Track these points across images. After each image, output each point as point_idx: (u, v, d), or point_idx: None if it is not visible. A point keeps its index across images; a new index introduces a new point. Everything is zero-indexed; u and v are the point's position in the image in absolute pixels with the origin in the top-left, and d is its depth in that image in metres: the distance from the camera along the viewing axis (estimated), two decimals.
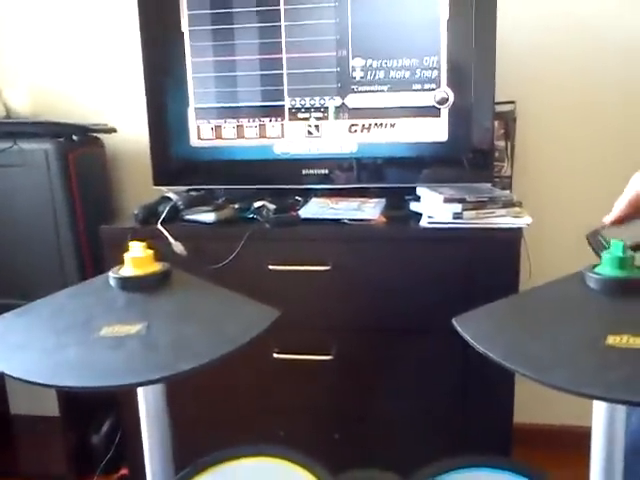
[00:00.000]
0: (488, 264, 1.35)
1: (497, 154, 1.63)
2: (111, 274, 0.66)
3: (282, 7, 1.52)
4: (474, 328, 0.57)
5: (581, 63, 1.68)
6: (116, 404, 1.58)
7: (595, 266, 0.62)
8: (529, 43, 1.69)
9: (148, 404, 0.67)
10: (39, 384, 0.56)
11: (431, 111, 1.51)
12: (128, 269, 0.66)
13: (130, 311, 0.63)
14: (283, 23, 1.53)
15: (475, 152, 1.50)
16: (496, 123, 1.60)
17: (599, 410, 0.57)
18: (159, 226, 1.44)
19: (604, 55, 1.67)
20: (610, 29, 1.66)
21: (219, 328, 0.61)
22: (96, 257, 1.60)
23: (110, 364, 0.56)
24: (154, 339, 0.59)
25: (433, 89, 1.50)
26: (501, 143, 1.64)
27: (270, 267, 1.41)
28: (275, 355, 1.46)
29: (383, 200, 1.53)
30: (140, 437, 0.80)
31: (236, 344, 0.59)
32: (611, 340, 0.53)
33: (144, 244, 0.67)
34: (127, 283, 0.65)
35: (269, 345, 1.46)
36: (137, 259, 0.65)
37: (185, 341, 0.59)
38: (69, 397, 1.70)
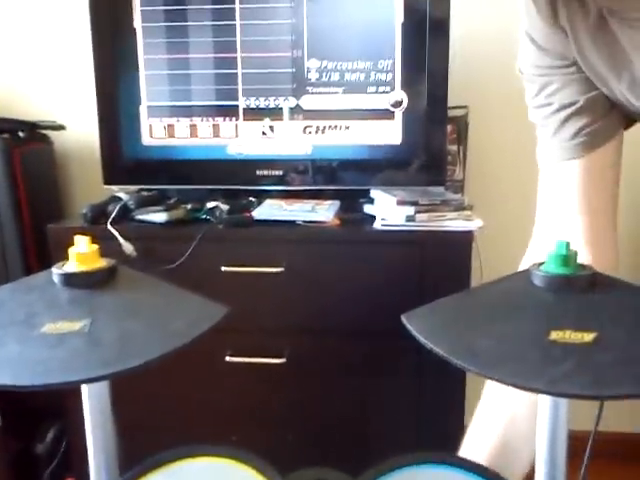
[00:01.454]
0: (440, 266, 1.37)
1: (449, 158, 1.65)
2: (54, 270, 0.64)
3: (237, 6, 1.51)
4: (422, 324, 0.57)
5: None
6: (62, 411, 1.53)
7: (541, 264, 0.63)
8: (482, 49, 1.73)
9: (92, 405, 0.65)
10: None
11: (385, 114, 1.53)
12: (72, 265, 0.64)
13: (74, 308, 0.61)
14: (238, 22, 1.52)
15: (428, 155, 1.52)
16: (449, 127, 1.63)
17: (544, 404, 0.59)
18: (109, 226, 1.41)
19: None
20: None
21: (166, 324, 0.60)
22: (43, 258, 1.55)
23: (52, 361, 0.54)
24: (98, 336, 0.57)
25: (387, 92, 1.52)
26: (454, 147, 1.67)
27: (223, 268, 1.40)
28: (227, 358, 1.44)
29: (337, 202, 1.54)
30: (86, 445, 0.77)
31: (183, 340, 0.57)
32: (554, 335, 0.54)
33: (89, 238, 0.65)
34: (71, 279, 0.63)
35: (221, 348, 1.44)
36: (82, 255, 0.63)
37: (130, 337, 0.57)
38: (11, 402, 1.63)
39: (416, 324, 0.58)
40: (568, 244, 0.62)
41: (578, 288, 0.60)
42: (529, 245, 0.94)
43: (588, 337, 0.53)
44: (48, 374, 0.54)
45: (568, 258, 0.61)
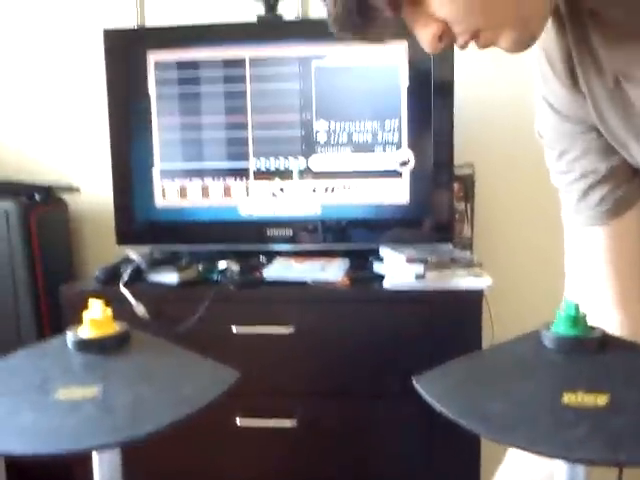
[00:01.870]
0: (451, 325, 1.36)
1: (457, 216, 1.67)
2: (68, 335, 0.65)
3: (248, 72, 1.57)
4: (433, 387, 0.57)
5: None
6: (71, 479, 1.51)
7: (551, 325, 0.64)
8: (486, 108, 1.77)
9: (102, 473, 0.65)
10: None
11: (393, 173, 1.56)
12: (86, 330, 0.65)
13: (87, 373, 0.62)
14: (248, 86, 1.57)
15: (436, 213, 1.54)
16: (456, 185, 1.65)
17: (560, 469, 0.58)
18: (121, 287, 1.42)
19: None
20: None
21: (178, 390, 0.60)
22: (56, 319, 1.56)
23: (65, 428, 0.54)
24: (111, 402, 0.57)
25: (395, 152, 1.55)
26: (461, 205, 1.68)
27: (234, 329, 1.40)
28: (238, 420, 1.42)
29: (346, 260, 1.55)
30: None
31: (195, 406, 0.58)
32: (566, 398, 0.54)
33: (102, 302, 0.66)
34: (84, 344, 0.64)
35: (232, 410, 1.43)
36: (95, 320, 0.64)
37: (142, 404, 0.57)
38: (18, 469, 1.61)
39: (427, 387, 0.58)
40: (577, 305, 0.63)
41: (589, 349, 0.60)
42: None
43: (601, 400, 0.53)
44: (61, 442, 0.54)
45: (578, 319, 0.62)
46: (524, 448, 0.52)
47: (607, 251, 0.84)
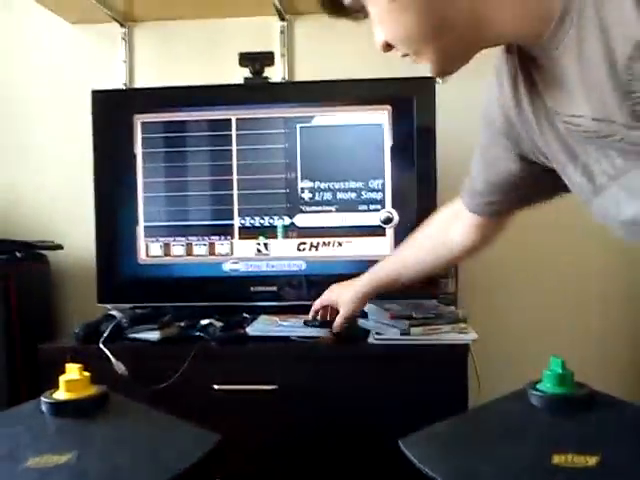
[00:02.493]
0: (437, 380, 1.35)
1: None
2: (43, 398, 0.63)
3: (234, 132, 1.59)
4: (420, 450, 0.56)
5: None
6: None
7: (536, 382, 0.63)
8: (468, 166, 1.79)
9: None
10: None
11: (377, 230, 1.57)
12: (62, 393, 0.63)
13: (61, 439, 0.60)
14: (235, 147, 1.59)
15: None
16: None
17: None
18: (100, 345, 1.39)
19: None
20: None
21: (155, 456, 0.58)
22: (33, 378, 1.52)
23: None
24: (85, 469, 0.55)
25: (378, 210, 1.57)
26: None
27: (216, 387, 1.37)
28: None
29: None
30: None
31: (173, 472, 0.56)
32: (556, 459, 0.52)
33: (80, 366, 0.64)
34: (59, 408, 0.62)
35: (211, 472, 1.38)
36: (71, 382, 0.63)
37: (117, 471, 0.55)
38: None
39: (414, 450, 0.57)
40: (563, 362, 0.62)
41: (576, 408, 0.59)
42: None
43: (591, 461, 0.52)
44: None
45: (564, 376, 0.61)
46: None
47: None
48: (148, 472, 0.56)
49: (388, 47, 0.77)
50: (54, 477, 0.54)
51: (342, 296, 1.35)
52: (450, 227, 1.16)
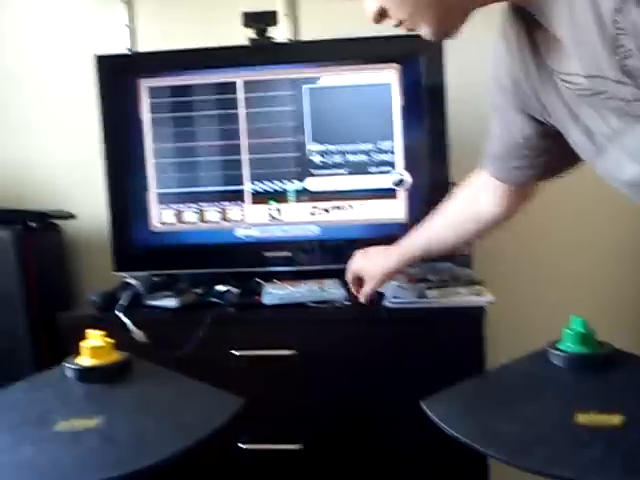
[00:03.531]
0: (453, 343, 1.35)
1: None
2: (67, 365, 0.64)
3: (241, 95, 1.57)
4: (443, 410, 0.56)
5: None
6: None
7: (557, 342, 0.63)
8: (481, 123, 1.77)
9: None
10: None
11: (389, 192, 1.55)
12: (85, 359, 0.64)
13: (88, 404, 0.61)
14: (242, 110, 1.57)
15: None
16: None
17: None
18: (118, 313, 1.40)
19: None
20: None
21: (180, 420, 0.59)
22: (53, 346, 1.54)
23: (66, 462, 0.53)
24: (112, 433, 0.56)
25: (389, 172, 1.55)
26: None
27: (234, 352, 1.38)
28: (241, 445, 1.40)
29: (337, 280, 1.53)
30: None
31: (198, 436, 0.56)
32: (580, 418, 0.53)
33: (103, 333, 0.65)
34: (84, 374, 0.63)
35: (234, 435, 1.40)
36: (95, 348, 0.63)
37: (145, 434, 0.56)
38: None
39: (437, 410, 0.57)
40: (585, 322, 0.62)
41: (599, 367, 0.59)
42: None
43: (615, 419, 0.52)
44: (64, 476, 0.52)
45: (586, 336, 0.61)
46: (538, 471, 0.51)
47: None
48: (174, 435, 0.57)
49: (380, 17, 0.77)
50: (85, 440, 0.55)
51: (369, 271, 1.33)
52: (477, 199, 1.16)
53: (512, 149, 0.99)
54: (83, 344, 0.65)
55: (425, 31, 0.77)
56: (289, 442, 1.38)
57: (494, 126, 1.02)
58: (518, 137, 0.95)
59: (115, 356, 0.65)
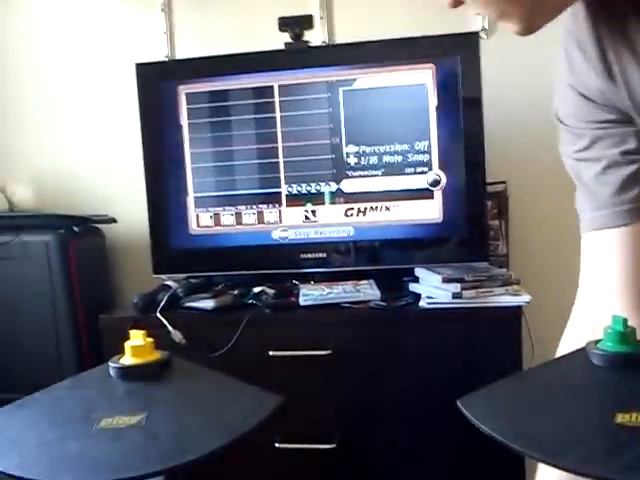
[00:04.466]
0: (490, 343, 1.34)
1: (492, 233, 1.65)
2: (111, 363, 0.66)
3: (277, 99, 1.59)
4: (479, 409, 0.56)
5: None
6: None
7: (598, 342, 0.62)
8: (517, 123, 1.75)
9: None
10: None
11: (424, 193, 1.55)
12: (128, 358, 0.66)
13: (130, 401, 0.62)
14: (278, 114, 1.59)
15: (470, 231, 1.53)
16: (489, 202, 1.63)
17: None
18: (158, 314, 1.44)
19: None
20: None
21: (220, 417, 0.60)
22: (95, 347, 1.58)
23: (110, 457, 0.55)
24: (154, 430, 0.57)
25: (425, 172, 1.55)
26: (495, 222, 1.66)
27: (270, 353, 1.40)
28: (277, 445, 1.41)
29: (372, 281, 1.53)
30: None
31: (238, 433, 0.57)
32: (620, 418, 0.52)
33: (144, 332, 0.66)
34: (127, 372, 0.64)
35: (270, 434, 1.42)
36: (137, 347, 0.65)
37: (186, 431, 0.57)
38: None
39: (473, 409, 0.57)
40: (625, 320, 0.61)
41: (638, 366, 0.58)
42: (570, 319, 0.87)
43: None
44: (108, 471, 0.54)
45: (626, 335, 0.60)
46: (577, 471, 0.50)
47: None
48: (214, 433, 0.58)
49: (458, 2, 0.66)
50: (128, 437, 0.56)
51: None
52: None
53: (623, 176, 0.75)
54: (126, 344, 0.67)
55: (512, 27, 0.67)
56: (323, 442, 1.39)
57: (586, 164, 0.79)
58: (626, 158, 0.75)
59: (156, 355, 0.66)
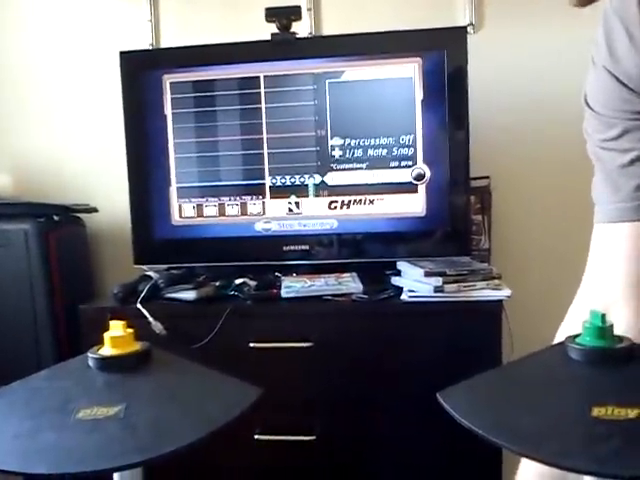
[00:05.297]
0: (470, 337, 1.35)
1: (475, 228, 1.66)
2: (89, 354, 0.65)
3: (263, 90, 1.58)
4: (458, 402, 0.56)
5: (551, 135, 1.75)
6: None
7: (576, 336, 0.62)
8: (501, 119, 1.76)
9: None
10: (9, 472, 0.53)
11: (408, 187, 1.55)
12: (107, 349, 0.65)
13: (109, 392, 0.62)
14: (264, 105, 1.58)
15: (453, 226, 1.53)
16: (472, 197, 1.64)
17: None
18: (138, 305, 1.42)
19: (572, 128, 1.74)
20: (576, 103, 1.74)
21: (200, 408, 0.60)
22: (74, 338, 1.57)
23: (87, 448, 0.54)
24: (133, 421, 0.57)
25: (410, 166, 1.55)
26: (478, 217, 1.68)
27: (252, 345, 1.40)
28: (257, 436, 1.41)
29: (354, 274, 1.54)
30: None
31: (217, 424, 0.57)
32: (596, 411, 0.52)
33: (124, 323, 0.66)
34: (106, 363, 0.64)
35: (250, 426, 1.42)
36: (116, 338, 0.64)
37: (165, 423, 0.57)
38: None
39: (452, 402, 0.57)
40: (604, 315, 0.61)
41: (617, 361, 0.59)
42: (569, 310, 0.85)
43: (632, 413, 0.52)
44: (84, 461, 0.53)
45: (604, 330, 0.61)
46: (555, 463, 0.50)
47: None
48: (194, 424, 0.58)
49: None
50: (105, 427, 0.56)
51: None
52: None
53: None
54: (105, 334, 0.66)
55: None
56: (303, 434, 1.39)
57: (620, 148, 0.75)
58: None
59: (136, 346, 0.66)
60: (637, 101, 0.73)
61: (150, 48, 1.87)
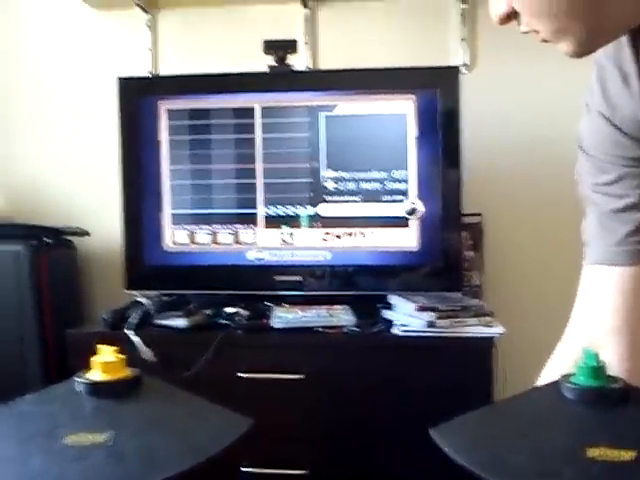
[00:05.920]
0: (461, 373, 1.35)
1: (467, 264, 1.67)
2: (77, 379, 0.64)
3: (258, 120, 1.59)
4: (451, 439, 0.55)
5: (543, 174, 1.77)
6: None
7: (570, 375, 0.62)
8: (494, 158, 1.78)
9: None
10: None
11: (401, 221, 1.56)
12: (96, 374, 0.64)
13: (97, 418, 0.61)
14: (259, 135, 1.59)
15: (445, 261, 1.54)
16: (464, 234, 1.65)
17: None
18: (127, 331, 1.41)
19: (564, 168, 1.76)
20: (567, 143, 1.76)
21: (188, 438, 0.59)
22: (63, 361, 1.54)
23: (73, 475, 0.53)
24: (120, 449, 0.56)
25: (402, 201, 1.56)
26: (470, 253, 1.68)
27: (242, 375, 1.38)
28: (243, 469, 1.39)
29: (347, 307, 1.53)
30: None
31: (206, 455, 0.56)
32: (590, 453, 0.52)
33: (116, 348, 0.65)
34: (95, 389, 0.63)
35: (236, 457, 1.39)
36: (107, 363, 0.63)
37: (152, 452, 0.56)
38: None
39: (445, 439, 0.57)
40: (597, 355, 0.62)
41: (611, 401, 0.58)
42: (556, 348, 0.86)
43: (626, 455, 0.51)
44: None
45: (598, 370, 0.61)
46: None
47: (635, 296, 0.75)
48: (182, 453, 0.56)
49: (508, 19, 0.62)
50: (92, 455, 0.55)
51: None
52: None
53: None
54: (94, 359, 0.65)
55: (567, 47, 0.63)
56: (294, 467, 1.37)
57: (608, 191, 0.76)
58: None
59: (126, 372, 0.65)
60: (630, 146, 0.74)
61: (149, 75, 1.89)
